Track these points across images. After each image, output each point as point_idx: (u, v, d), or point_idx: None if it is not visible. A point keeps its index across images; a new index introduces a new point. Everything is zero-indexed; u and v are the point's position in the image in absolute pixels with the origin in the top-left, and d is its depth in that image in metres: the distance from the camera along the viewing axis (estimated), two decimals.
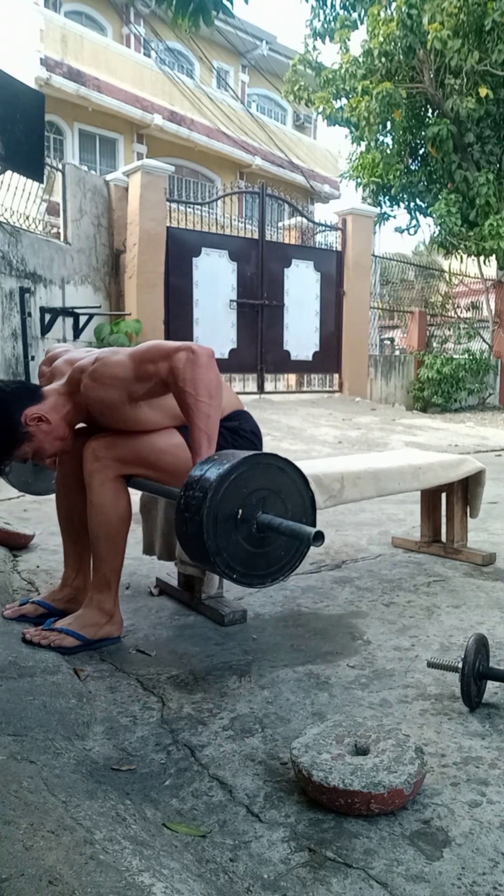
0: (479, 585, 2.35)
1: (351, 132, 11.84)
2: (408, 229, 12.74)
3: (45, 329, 6.85)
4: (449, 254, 11.72)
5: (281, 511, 1.45)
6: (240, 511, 1.38)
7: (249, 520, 1.39)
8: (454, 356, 11.47)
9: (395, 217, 17.87)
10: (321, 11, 11.65)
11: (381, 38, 10.31)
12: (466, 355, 11.54)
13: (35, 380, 6.26)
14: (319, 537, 1.31)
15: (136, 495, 1.94)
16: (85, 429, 1.93)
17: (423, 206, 12.13)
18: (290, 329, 9.35)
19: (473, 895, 0.95)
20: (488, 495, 3.07)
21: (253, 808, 1.15)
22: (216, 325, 8.61)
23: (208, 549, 1.35)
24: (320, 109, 11.79)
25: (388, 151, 11.76)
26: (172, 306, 8.24)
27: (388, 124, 11.23)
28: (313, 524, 1.49)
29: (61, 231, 7.71)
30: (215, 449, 1.80)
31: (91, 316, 7.32)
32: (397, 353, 12.91)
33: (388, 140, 11.96)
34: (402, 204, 12.33)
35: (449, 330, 12.98)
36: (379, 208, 11.88)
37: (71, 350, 2.02)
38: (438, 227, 11.14)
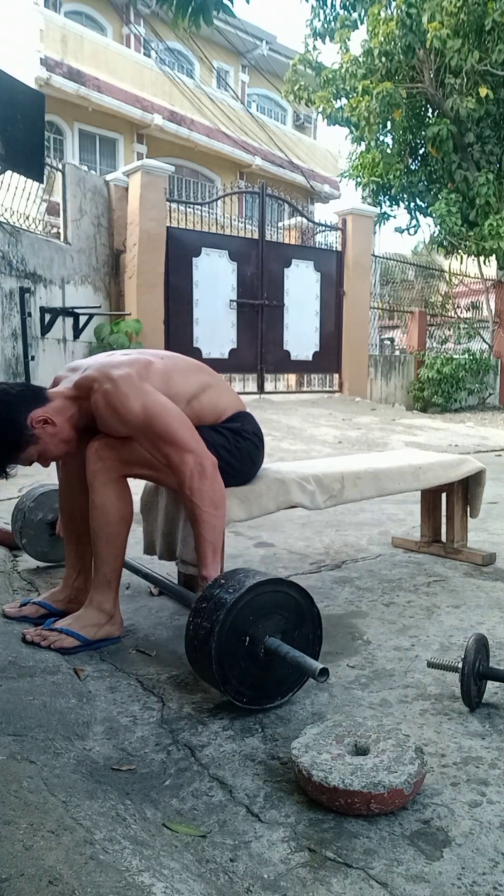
0: (479, 585, 2.35)
1: (351, 132, 11.84)
2: (408, 229, 12.75)
3: (45, 329, 6.85)
4: (449, 254, 11.72)
5: (288, 629, 1.49)
6: (247, 638, 1.43)
7: (257, 645, 1.44)
8: (454, 356, 11.48)
9: (395, 217, 17.88)
10: (321, 11, 11.66)
11: (381, 38, 10.31)
12: (466, 355, 11.55)
13: (35, 381, 6.27)
14: (324, 674, 1.36)
15: (136, 495, 1.94)
16: (87, 429, 1.93)
17: (423, 206, 12.14)
18: (290, 329, 9.35)
19: (473, 895, 0.95)
20: (488, 495, 3.07)
21: (253, 808, 1.15)
22: (216, 325, 8.61)
23: (217, 679, 1.40)
24: (320, 109, 11.79)
25: (388, 151, 11.76)
26: (172, 306, 8.24)
27: (388, 124, 11.23)
28: (320, 642, 1.54)
29: (61, 231, 7.71)
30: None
31: (91, 316, 7.32)
32: (397, 353, 12.91)
33: (388, 140, 11.96)
34: (402, 204, 12.33)
35: (449, 330, 12.99)
36: (379, 208, 11.88)
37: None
38: (438, 227, 11.15)
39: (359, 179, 11.99)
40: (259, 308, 8.95)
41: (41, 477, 4.00)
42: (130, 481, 1.84)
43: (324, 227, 10.28)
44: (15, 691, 1.47)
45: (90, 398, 1.74)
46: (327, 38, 11.81)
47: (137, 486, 1.96)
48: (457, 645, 1.82)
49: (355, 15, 11.44)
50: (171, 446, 1.69)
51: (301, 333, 9.48)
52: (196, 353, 8.17)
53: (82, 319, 7.26)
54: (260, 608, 1.45)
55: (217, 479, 1.71)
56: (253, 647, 1.43)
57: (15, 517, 2.40)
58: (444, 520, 2.72)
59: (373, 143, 11.71)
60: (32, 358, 6.38)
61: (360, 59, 10.99)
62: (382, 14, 10.57)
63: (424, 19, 9.90)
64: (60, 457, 1.85)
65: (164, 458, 1.70)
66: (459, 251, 11.38)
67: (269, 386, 9.39)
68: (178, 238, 8.29)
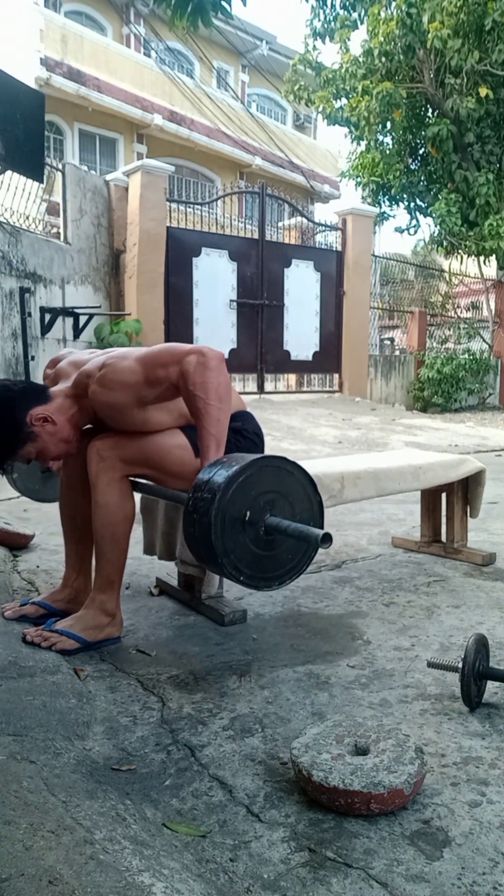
0: (479, 585, 2.35)
1: (351, 132, 11.84)
2: (408, 229, 12.75)
3: (45, 329, 6.85)
4: (449, 254, 11.72)
5: (289, 514, 1.45)
6: (248, 513, 1.39)
7: (257, 522, 1.40)
8: (454, 356, 11.47)
9: (395, 217, 17.91)
10: (321, 11, 11.66)
11: (381, 38, 10.31)
12: (466, 355, 11.55)
13: (35, 379, 6.26)
14: (327, 539, 1.32)
15: (137, 496, 1.94)
16: (89, 429, 1.93)
17: (423, 205, 12.13)
18: (290, 329, 9.35)
19: (473, 895, 0.95)
20: (488, 495, 3.07)
21: (253, 808, 1.15)
22: (216, 325, 8.61)
23: (216, 551, 1.35)
24: (320, 109, 11.79)
25: (388, 151, 11.76)
26: (172, 306, 8.24)
27: (388, 124, 11.23)
28: (321, 528, 1.49)
29: (61, 231, 7.71)
30: (224, 451, 1.80)
31: (91, 316, 7.32)
32: (397, 353, 12.91)
33: (388, 140, 11.96)
34: (402, 204, 12.33)
35: (449, 330, 12.98)
36: (379, 208, 11.88)
37: (75, 352, 2.02)
38: (438, 227, 11.14)
39: (359, 179, 11.99)
40: (259, 308, 8.95)
41: None
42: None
43: (324, 227, 10.28)
44: (15, 691, 1.47)
45: (87, 394, 1.74)
46: (327, 38, 11.80)
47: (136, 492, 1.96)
48: (457, 645, 1.82)
49: (355, 15, 11.43)
50: (172, 363, 1.65)
51: (301, 333, 9.48)
52: None
53: (82, 319, 7.26)
54: (261, 485, 1.41)
55: (222, 371, 1.66)
56: (253, 525, 1.40)
57: None
58: (444, 520, 2.72)
59: (373, 143, 11.71)
60: (32, 358, 6.38)
61: (360, 59, 10.99)
62: (382, 14, 10.57)
63: (424, 19, 9.90)
64: (60, 456, 1.84)
65: (174, 376, 1.65)
66: (459, 251, 11.38)
67: (269, 386, 9.39)
68: (178, 238, 8.29)
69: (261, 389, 9.16)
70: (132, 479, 1.85)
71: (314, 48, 11.99)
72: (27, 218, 6.77)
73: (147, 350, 1.72)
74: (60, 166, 7.79)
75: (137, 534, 2.26)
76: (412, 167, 12.03)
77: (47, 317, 6.85)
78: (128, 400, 1.71)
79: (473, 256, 11.34)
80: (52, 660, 1.67)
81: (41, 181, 6.35)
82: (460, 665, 1.43)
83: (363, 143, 11.84)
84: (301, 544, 1.46)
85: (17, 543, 2.70)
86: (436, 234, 11.60)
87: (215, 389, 1.63)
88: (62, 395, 1.79)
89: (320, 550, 2.79)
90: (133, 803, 1.14)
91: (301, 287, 9.41)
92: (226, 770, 1.25)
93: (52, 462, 1.84)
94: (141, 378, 1.68)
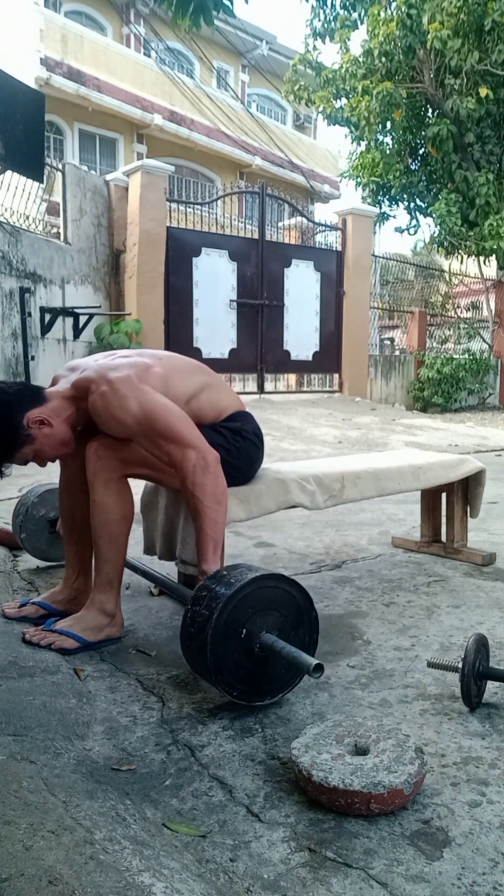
0: (479, 585, 2.35)
1: (351, 132, 11.84)
2: (408, 229, 12.75)
3: (45, 329, 6.85)
4: (449, 254, 11.72)
5: (285, 628, 1.49)
6: (244, 631, 1.43)
7: (253, 639, 1.44)
8: (454, 356, 11.47)
9: (395, 217, 17.89)
10: (321, 11, 11.66)
11: (381, 38, 10.31)
12: (466, 355, 11.54)
13: (35, 381, 6.27)
14: (319, 669, 1.35)
15: (136, 495, 1.94)
16: (87, 429, 1.93)
17: (423, 206, 12.14)
18: (290, 329, 9.35)
19: (473, 895, 0.95)
20: (488, 495, 3.07)
21: (253, 808, 1.15)
22: (216, 325, 8.61)
23: (210, 668, 1.40)
24: (320, 109, 11.79)
25: (388, 151, 11.76)
26: (172, 306, 8.24)
27: (388, 124, 11.23)
28: (315, 643, 1.54)
29: (61, 231, 7.71)
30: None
31: (91, 316, 7.32)
32: (397, 353, 12.91)
33: (388, 140, 11.96)
34: (402, 204, 12.33)
35: (449, 330, 12.99)
36: (379, 208, 11.88)
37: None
38: (438, 227, 11.15)
39: (359, 179, 11.99)
40: (259, 308, 8.95)
41: (41, 477, 4.00)
42: (130, 481, 1.84)
43: (324, 227, 10.28)
44: (15, 691, 1.47)
45: (88, 399, 1.74)
46: (327, 38, 11.81)
47: (137, 486, 1.96)
48: (457, 645, 1.82)
49: (355, 15, 11.44)
50: (172, 444, 1.68)
51: (301, 333, 9.48)
52: (196, 353, 8.17)
53: (82, 319, 7.26)
54: (259, 602, 1.45)
55: (219, 474, 1.71)
56: (249, 641, 1.43)
57: (17, 511, 2.40)
58: (444, 520, 2.72)
59: (373, 143, 11.71)
60: (32, 358, 6.38)
61: (360, 59, 10.99)
62: (382, 14, 10.57)
63: (424, 20, 9.90)
64: (57, 457, 1.84)
65: (167, 455, 1.70)
66: (459, 251, 11.38)
67: (269, 386, 9.39)
68: (178, 238, 8.29)
69: (261, 389, 9.16)
70: (129, 475, 1.85)
71: (314, 48, 11.99)
72: (27, 218, 6.77)
73: (153, 405, 1.69)
74: (60, 166, 7.79)
75: (138, 534, 2.26)
76: (412, 167, 12.03)
77: (47, 317, 6.85)
78: (122, 432, 1.73)
79: (473, 256, 11.35)
80: (52, 660, 1.67)
81: (41, 181, 6.35)
82: (460, 665, 1.43)
83: (363, 144, 11.84)
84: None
85: (17, 543, 2.70)
86: (436, 234, 11.60)
87: (212, 493, 1.68)
88: (59, 396, 1.79)
89: (320, 549, 2.80)
90: (133, 803, 1.14)
91: (301, 287, 9.41)
92: (226, 770, 1.25)
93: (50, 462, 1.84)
94: (138, 432, 1.70)
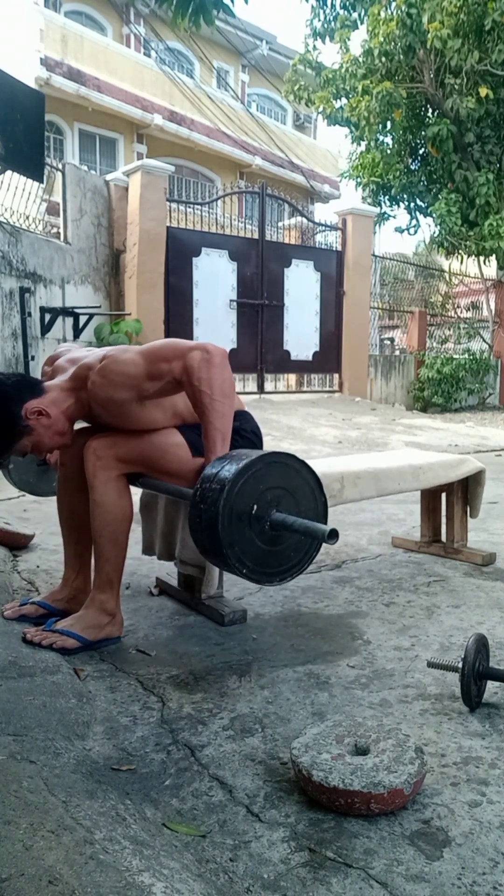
0: (479, 585, 2.35)
1: (351, 132, 11.84)
2: (408, 229, 12.74)
3: (45, 329, 6.85)
4: (449, 254, 11.72)
5: (294, 511, 1.46)
6: (255, 507, 1.40)
7: (263, 517, 1.41)
8: (454, 356, 11.47)
9: (395, 217, 17.86)
10: (321, 11, 11.65)
11: (382, 38, 10.30)
12: (466, 355, 11.54)
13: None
14: (334, 535, 1.33)
15: (136, 495, 1.94)
16: (86, 428, 1.93)
17: (423, 205, 12.13)
18: (290, 329, 9.35)
19: (473, 895, 0.95)
20: (488, 495, 3.07)
21: (253, 808, 1.15)
22: (216, 325, 8.61)
23: (222, 542, 1.36)
24: (320, 109, 11.78)
25: (388, 151, 11.76)
26: (172, 306, 8.24)
27: (388, 124, 11.22)
28: (325, 513, 1.51)
29: (61, 231, 7.71)
30: (229, 446, 1.80)
31: (91, 316, 7.32)
32: (397, 353, 12.91)
33: (388, 140, 11.95)
34: (402, 204, 12.33)
35: (449, 330, 12.98)
36: (379, 208, 11.87)
37: (73, 349, 2.02)
38: (438, 227, 11.14)
39: (359, 179, 11.98)
40: (259, 308, 8.94)
41: None
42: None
43: (324, 227, 10.28)
44: (15, 691, 1.47)
45: (86, 386, 1.74)
46: (327, 38, 11.80)
47: (137, 487, 1.96)
48: (457, 645, 1.82)
49: (355, 15, 11.43)
50: (175, 358, 1.66)
51: (301, 333, 9.48)
52: None
53: (82, 319, 7.26)
54: (269, 480, 1.42)
55: (226, 367, 1.68)
56: (259, 519, 1.41)
57: None
58: (444, 520, 2.72)
59: (373, 143, 11.70)
60: (32, 358, 6.38)
61: (360, 59, 10.98)
62: (382, 14, 10.56)
63: (424, 19, 9.89)
64: (55, 449, 1.84)
65: (176, 371, 1.65)
66: (459, 251, 11.38)
67: (269, 386, 9.39)
68: (178, 238, 8.29)
69: (261, 389, 9.16)
70: (133, 474, 1.85)
71: (314, 48, 11.98)
72: (27, 218, 6.77)
73: (149, 344, 1.73)
74: (60, 166, 7.79)
75: (137, 534, 2.26)
76: (412, 167, 12.03)
77: (47, 317, 6.85)
78: (128, 394, 1.70)
79: (473, 256, 11.34)
80: (52, 660, 1.67)
81: (41, 181, 6.35)
82: (460, 665, 1.43)
83: (363, 144, 11.84)
84: (305, 541, 1.46)
85: (17, 543, 2.70)
86: (436, 235, 11.60)
87: (220, 386, 1.64)
88: (57, 388, 1.79)
89: (321, 550, 2.80)
90: (133, 803, 1.14)
91: (301, 287, 9.41)
92: (226, 770, 1.25)
93: (49, 455, 1.84)
94: (143, 370, 1.67)
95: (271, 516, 1.41)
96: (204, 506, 1.38)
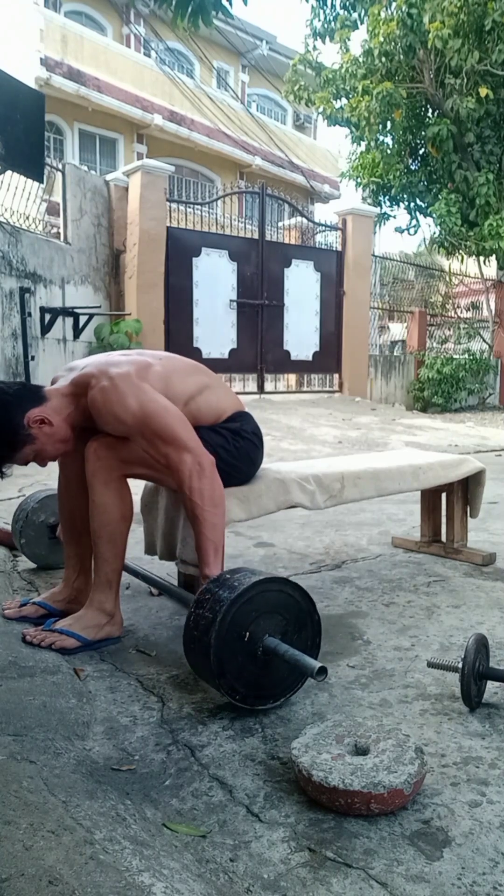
0: (479, 585, 2.35)
1: (351, 132, 11.84)
2: (408, 229, 12.75)
3: (45, 329, 6.85)
4: (449, 254, 11.72)
5: (289, 631, 1.49)
6: (247, 634, 1.43)
7: (256, 642, 1.44)
8: (454, 356, 11.47)
9: (395, 217, 17.85)
10: (321, 11, 11.65)
11: (382, 38, 10.30)
12: (466, 355, 11.54)
13: (35, 381, 6.27)
14: (322, 672, 1.35)
15: (136, 495, 1.94)
16: (87, 429, 1.93)
17: (423, 206, 12.13)
18: (290, 329, 9.35)
19: (473, 895, 0.95)
20: (488, 495, 3.07)
21: (253, 808, 1.15)
22: (216, 325, 8.61)
23: (213, 671, 1.39)
24: (320, 109, 11.79)
25: (388, 151, 11.76)
26: (172, 306, 8.24)
27: (388, 124, 11.22)
28: (318, 646, 1.54)
29: (61, 231, 7.71)
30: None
31: (91, 316, 7.32)
32: (397, 353, 12.91)
33: (388, 140, 11.95)
34: (402, 204, 12.33)
35: (449, 330, 12.98)
36: (379, 208, 11.88)
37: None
38: (438, 227, 11.14)
39: (359, 180, 11.99)
40: (259, 308, 8.95)
41: (41, 476, 4.00)
42: (130, 481, 1.84)
43: (324, 227, 10.28)
44: (15, 691, 1.47)
45: (87, 395, 1.74)
46: (327, 38, 11.80)
47: (137, 486, 1.96)
48: (457, 645, 1.82)
49: (355, 15, 11.43)
50: (169, 446, 1.69)
51: (301, 333, 9.48)
52: (196, 353, 8.17)
53: (82, 319, 7.26)
54: (262, 606, 1.45)
55: (215, 477, 1.71)
56: (252, 645, 1.43)
57: (17, 517, 2.40)
58: (444, 520, 2.72)
59: (373, 144, 11.71)
60: (32, 358, 6.38)
61: (360, 59, 10.99)
62: (383, 14, 10.56)
63: (425, 19, 9.89)
64: (57, 456, 1.84)
65: (163, 457, 1.70)
66: (459, 251, 11.38)
67: (269, 386, 9.39)
68: (178, 238, 8.29)
69: (261, 389, 9.16)
70: (128, 475, 1.85)
71: (314, 48, 11.98)
72: (27, 218, 6.77)
73: (152, 404, 1.70)
74: (60, 166, 7.79)
75: (138, 534, 2.26)
76: (412, 167, 12.03)
77: (47, 317, 6.85)
78: (120, 429, 1.73)
79: (473, 256, 11.34)
80: (52, 660, 1.67)
81: (41, 181, 6.35)
82: (460, 665, 1.43)
83: (363, 144, 11.84)
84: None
85: (15, 544, 2.70)
86: (436, 235, 11.60)
87: (210, 497, 1.68)
88: (58, 395, 1.79)
89: (320, 549, 2.80)
90: (133, 803, 1.14)
91: (301, 287, 9.41)
92: (226, 770, 1.25)
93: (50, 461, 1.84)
94: (136, 430, 1.70)
95: (264, 642, 1.44)
96: (197, 633, 1.42)
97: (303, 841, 1.06)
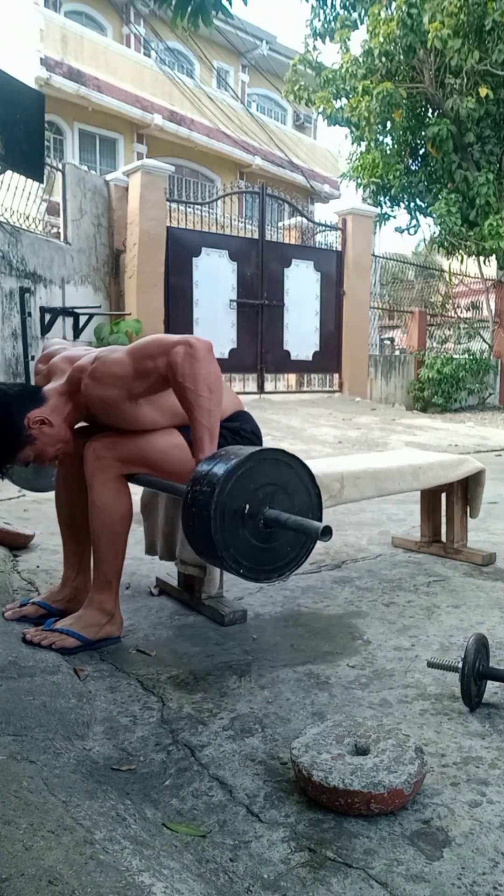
0: (479, 585, 2.35)
1: (351, 132, 11.83)
2: (408, 229, 12.74)
3: (45, 329, 6.85)
4: (449, 254, 11.72)
5: (288, 506, 1.45)
6: (247, 506, 1.39)
7: (256, 515, 1.40)
8: (454, 356, 11.47)
9: (395, 217, 17.81)
10: (321, 11, 11.64)
11: (382, 38, 10.30)
12: (466, 355, 11.54)
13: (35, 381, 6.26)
14: (327, 532, 1.32)
15: (136, 495, 1.94)
16: (86, 428, 1.93)
17: (423, 206, 12.12)
18: (290, 329, 9.35)
19: (473, 895, 0.95)
20: (488, 495, 3.07)
21: (253, 808, 1.15)
22: (216, 325, 8.60)
23: (216, 544, 1.35)
24: (320, 109, 11.78)
25: (388, 151, 11.75)
26: (172, 306, 8.24)
27: (388, 124, 11.22)
28: (320, 520, 1.49)
29: (61, 231, 7.71)
30: (217, 444, 1.80)
31: (91, 316, 7.32)
32: (397, 353, 12.91)
33: (388, 140, 11.95)
34: (402, 204, 12.32)
35: (449, 330, 12.98)
36: (379, 208, 11.87)
37: (68, 347, 2.02)
38: (438, 227, 11.14)
39: (359, 180, 11.98)
40: (259, 308, 8.94)
41: None
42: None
43: (324, 227, 10.28)
44: (15, 691, 1.47)
45: (80, 389, 1.74)
46: (327, 38, 11.79)
47: (137, 486, 1.96)
48: (457, 645, 1.82)
49: (355, 15, 11.42)
50: (160, 355, 1.63)
51: (301, 333, 9.48)
52: None
53: (82, 319, 7.26)
54: (259, 477, 1.41)
55: (211, 361, 1.64)
56: (253, 517, 1.40)
57: None
58: (444, 520, 2.72)
59: (373, 144, 11.70)
60: (32, 358, 6.37)
61: (361, 59, 10.98)
62: (383, 14, 10.56)
63: (425, 20, 9.89)
64: (57, 457, 1.84)
65: (162, 368, 1.63)
66: (459, 251, 11.37)
67: (269, 386, 9.39)
68: (178, 238, 8.29)
69: (261, 389, 9.16)
70: (127, 475, 1.85)
71: (314, 48, 11.97)
72: (27, 218, 6.77)
73: (136, 342, 1.72)
74: (60, 166, 7.79)
75: (138, 534, 2.26)
76: (412, 167, 12.02)
77: (47, 317, 6.85)
78: (119, 393, 1.70)
79: (473, 256, 11.34)
80: (52, 660, 1.67)
81: (41, 181, 6.35)
82: (460, 665, 1.43)
83: (363, 144, 11.83)
84: (300, 537, 1.45)
85: (17, 543, 2.70)
86: (436, 235, 11.59)
87: (205, 380, 1.61)
88: (56, 393, 1.79)
89: (320, 549, 2.80)
90: (133, 803, 1.14)
91: (301, 287, 9.41)
92: (226, 770, 1.25)
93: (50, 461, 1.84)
94: (130, 370, 1.67)
95: (265, 514, 1.40)
96: (196, 509, 1.37)
97: (303, 841, 1.06)
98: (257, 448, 1.44)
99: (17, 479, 2.32)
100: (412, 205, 12.31)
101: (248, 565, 1.40)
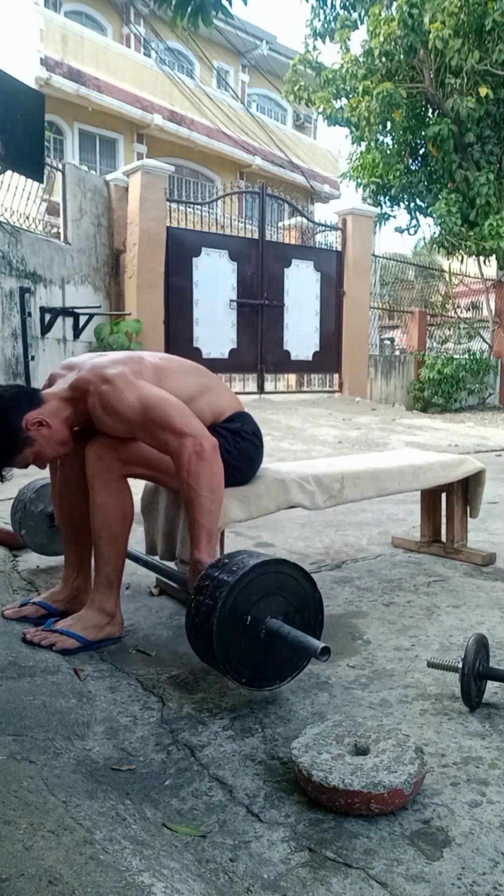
0: (479, 585, 2.35)
1: (351, 132, 11.84)
2: (408, 229, 12.74)
3: (45, 329, 6.85)
4: (449, 254, 11.72)
5: (290, 612, 1.48)
6: (248, 618, 1.42)
7: (258, 625, 1.43)
8: (454, 356, 11.47)
9: (395, 217, 17.82)
10: (321, 11, 11.65)
11: (382, 38, 10.30)
12: (466, 355, 11.54)
13: (35, 381, 6.27)
14: (326, 652, 1.35)
15: (136, 495, 1.94)
16: (85, 430, 1.93)
17: (424, 206, 12.13)
18: (290, 329, 9.35)
19: (473, 895, 0.95)
20: (488, 495, 3.07)
21: (253, 808, 1.15)
22: (216, 325, 8.61)
23: (217, 657, 1.39)
24: (320, 109, 11.78)
25: (389, 151, 11.75)
26: (172, 306, 8.24)
27: (389, 124, 11.22)
28: (321, 623, 1.53)
29: (61, 231, 7.71)
30: (217, 533, 1.77)
31: (91, 316, 7.33)
32: (397, 353, 12.92)
33: (389, 140, 11.95)
34: (402, 204, 12.32)
35: (449, 330, 12.98)
36: (379, 208, 11.87)
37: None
38: (438, 227, 11.14)
39: (359, 180, 11.98)
40: (259, 308, 8.94)
41: (41, 476, 4.00)
42: (130, 481, 1.84)
43: (324, 227, 10.28)
44: (15, 691, 1.47)
45: (86, 400, 1.74)
46: (327, 38, 11.79)
47: (137, 487, 1.96)
48: (457, 645, 1.82)
49: (355, 15, 11.43)
50: (169, 433, 1.66)
51: (301, 333, 9.48)
52: (196, 353, 8.17)
53: (82, 319, 7.26)
54: (262, 588, 1.44)
55: (216, 461, 1.68)
56: (254, 627, 1.42)
57: (15, 508, 2.40)
58: (444, 520, 2.72)
59: (373, 144, 11.70)
60: (32, 358, 6.38)
61: (361, 60, 10.98)
62: (383, 14, 10.56)
63: (426, 20, 9.89)
64: (56, 458, 1.84)
65: (165, 445, 1.67)
66: (459, 251, 11.37)
67: (269, 386, 9.39)
68: (178, 238, 8.29)
69: (261, 389, 9.16)
70: (129, 476, 1.85)
71: (314, 48, 11.98)
72: (27, 218, 6.78)
73: (150, 396, 1.69)
74: (60, 166, 7.79)
75: (139, 534, 2.26)
76: (412, 167, 12.02)
77: (47, 317, 6.85)
78: (122, 429, 1.73)
79: (473, 256, 11.34)
80: (52, 660, 1.67)
81: (41, 181, 6.36)
82: (460, 665, 1.43)
83: (363, 144, 11.84)
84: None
85: (17, 543, 2.70)
86: (436, 235, 11.60)
87: (207, 481, 1.65)
88: (56, 397, 1.79)
89: (320, 549, 2.80)
90: (133, 803, 1.14)
91: (301, 287, 9.41)
92: (226, 770, 1.25)
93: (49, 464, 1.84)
94: (137, 423, 1.69)
95: (266, 624, 1.43)
96: (198, 620, 1.41)
97: (303, 841, 1.06)
98: (261, 559, 1.46)
99: (31, 544, 2.40)
100: (412, 205, 12.31)
101: (249, 675, 1.44)
